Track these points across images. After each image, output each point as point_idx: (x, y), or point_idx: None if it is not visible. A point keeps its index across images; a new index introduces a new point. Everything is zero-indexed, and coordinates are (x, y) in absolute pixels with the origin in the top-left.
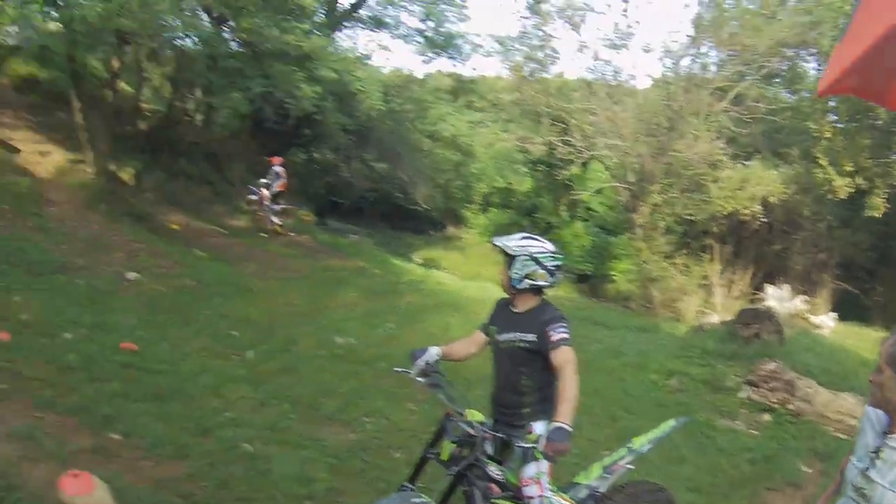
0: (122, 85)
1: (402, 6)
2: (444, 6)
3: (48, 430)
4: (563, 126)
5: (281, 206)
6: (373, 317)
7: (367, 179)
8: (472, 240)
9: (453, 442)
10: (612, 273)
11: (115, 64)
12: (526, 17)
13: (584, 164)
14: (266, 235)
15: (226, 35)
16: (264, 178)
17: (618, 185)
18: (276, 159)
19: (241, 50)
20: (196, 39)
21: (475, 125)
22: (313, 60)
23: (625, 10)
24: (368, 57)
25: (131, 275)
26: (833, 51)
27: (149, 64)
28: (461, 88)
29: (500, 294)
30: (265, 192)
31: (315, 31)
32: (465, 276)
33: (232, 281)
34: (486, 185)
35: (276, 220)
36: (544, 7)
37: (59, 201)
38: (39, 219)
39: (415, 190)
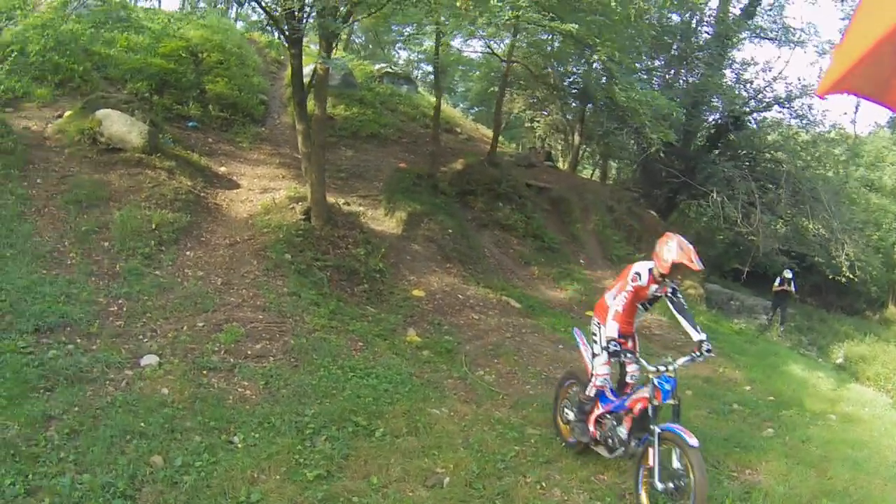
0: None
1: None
2: None
3: None
4: None
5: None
6: None
7: (772, 237)
8: None
9: None
10: None
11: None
12: None
13: None
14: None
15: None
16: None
17: None
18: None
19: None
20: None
21: None
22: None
23: None
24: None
25: (148, 359)
26: (833, 51)
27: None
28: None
29: None
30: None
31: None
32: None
33: (361, 403)
34: None
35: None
36: None
37: (229, 244)
38: (145, 260)
39: (838, 251)
